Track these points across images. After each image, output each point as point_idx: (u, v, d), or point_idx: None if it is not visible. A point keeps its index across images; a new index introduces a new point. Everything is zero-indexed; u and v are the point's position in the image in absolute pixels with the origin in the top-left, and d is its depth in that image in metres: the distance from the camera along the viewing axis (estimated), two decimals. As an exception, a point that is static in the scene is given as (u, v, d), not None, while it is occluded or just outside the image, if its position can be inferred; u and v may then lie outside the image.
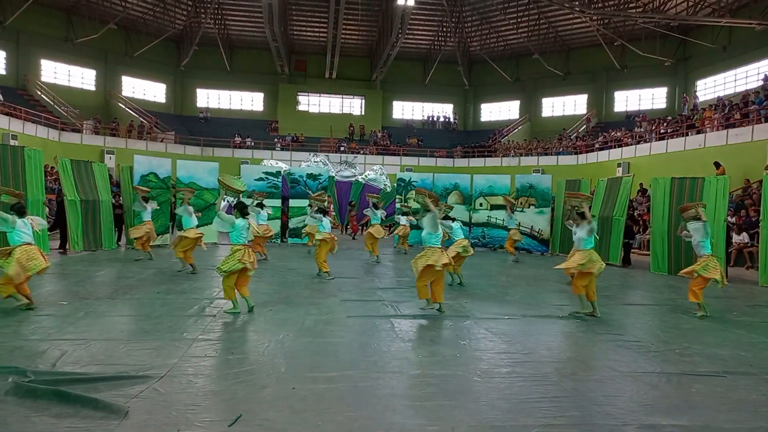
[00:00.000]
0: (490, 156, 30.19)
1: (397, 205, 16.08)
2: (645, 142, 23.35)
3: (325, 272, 9.03)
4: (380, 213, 13.01)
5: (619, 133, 25.92)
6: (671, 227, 11.01)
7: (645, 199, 18.37)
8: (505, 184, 15.69)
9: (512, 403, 3.68)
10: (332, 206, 17.42)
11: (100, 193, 12.55)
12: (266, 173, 15.75)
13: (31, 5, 24.66)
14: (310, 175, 15.93)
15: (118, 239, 13.54)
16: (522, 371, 4.38)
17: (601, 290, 8.72)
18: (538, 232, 14.90)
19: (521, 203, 15.09)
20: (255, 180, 15.41)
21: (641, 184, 19.57)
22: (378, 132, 33.69)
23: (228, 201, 11.03)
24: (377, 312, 6.52)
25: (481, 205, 15.64)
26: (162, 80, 32.94)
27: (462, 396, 3.80)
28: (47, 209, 11.30)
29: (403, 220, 14.24)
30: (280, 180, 15.66)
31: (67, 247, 11.48)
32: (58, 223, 11.96)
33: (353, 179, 20.39)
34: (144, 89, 32.20)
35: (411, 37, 32.26)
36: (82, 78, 29.51)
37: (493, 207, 15.46)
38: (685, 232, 7.13)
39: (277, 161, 24.14)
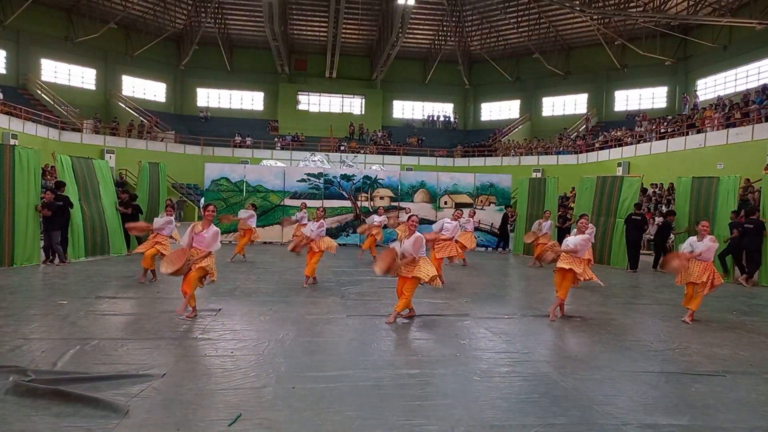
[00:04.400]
0: (491, 155, 30.21)
1: (365, 204, 15.96)
2: (645, 141, 23.36)
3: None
4: (381, 218, 12.93)
5: (619, 133, 25.92)
6: (691, 226, 11.00)
7: (645, 198, 18.37)
8: (468, 182, 16.23)
9: (512, 403, 3.69)
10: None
11: (102, 193, 11.33)
12: (308, 175, 15.98)
13: (32, 4, 24.68)
14: (344, 176, 16.06)
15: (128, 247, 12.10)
16: (522, 371, 4.38)
17: (600, 290, 8.75)
18: (498, 230, 15.75)
19: (482, 201, 15.97)
20: (297, 181, 15.74)
21: (641, 184, 19.61)
22: (378, 131, 33.70)
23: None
24: (377, 311, 6.52)
25: (446, 203, 15.94)
26: (162, 79, 32.94)
27: (461, 395, 3.80)
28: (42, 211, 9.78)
29: (377, 219, 12.90)
30: (322, 182, 15.81)
31: (65, 257, 9.96)
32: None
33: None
34: (144, 88, 32.21)
35: (411, 36, 32.26)
36: (83, 77, 29.52)
37: (458, 205, 15.94)
38: None
39: (277, 161, 24.17)
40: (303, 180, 15.80)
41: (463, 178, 16.57)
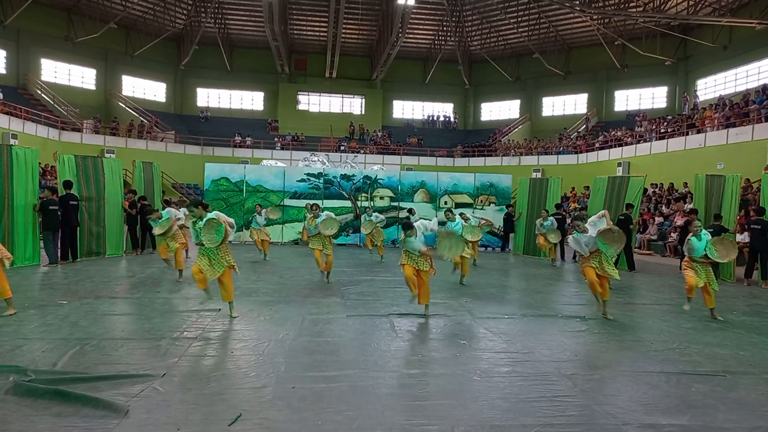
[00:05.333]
0: (491, 155, 30.20)
1: (365, 203, 15.89)
2: (645, 141, 23.36)
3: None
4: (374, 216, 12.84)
5: (619, 133, 25.92)
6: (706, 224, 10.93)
7: (645, 198, 18.35)
8: (468, 182, 16.16)
9: (512, 403, 3.69)
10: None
11: (107, 193, 11.19)
12: (308, 174, 15.99)
13: (32, 4, 24.69)
14: (344, 176, 16.05)
15: (153, 246, 11.98)
16: (522, 371, 4.38)
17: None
18: (498, 229, 15.63)
19: (482, 201, 15.94)
20: (297, 181, 15.76)
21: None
22: (378, 131, 33.69)
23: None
24: (377, 311, 6.52)
25: (446, 203, 15.91)
26: (162, 79, 32.95)
27: (462, 395, 3.80)
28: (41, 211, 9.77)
29: (374, 217, 12.50)
30: (321, 181, 15.82)
31: (56, 259, 9.81)
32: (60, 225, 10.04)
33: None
34: (144, 88, 32.21)
35: (411, 36, 32.26)
36: (83, 77, 29.53)
37: (458, 205, 15.93)
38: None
39: (277, 161, 24.17)
40: (303, 180, 15.80)
41: (463, 178, 16.52)
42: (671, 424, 3.40)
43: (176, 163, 27.61)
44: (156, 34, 30.32)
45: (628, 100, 30.81)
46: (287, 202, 15.50)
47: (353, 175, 16.19)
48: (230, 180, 15.52)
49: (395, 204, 15.88)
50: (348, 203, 15.83)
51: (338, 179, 15.94)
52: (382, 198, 16.00)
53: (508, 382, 4.11)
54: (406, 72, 35.15)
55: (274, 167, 17.76)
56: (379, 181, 16.11)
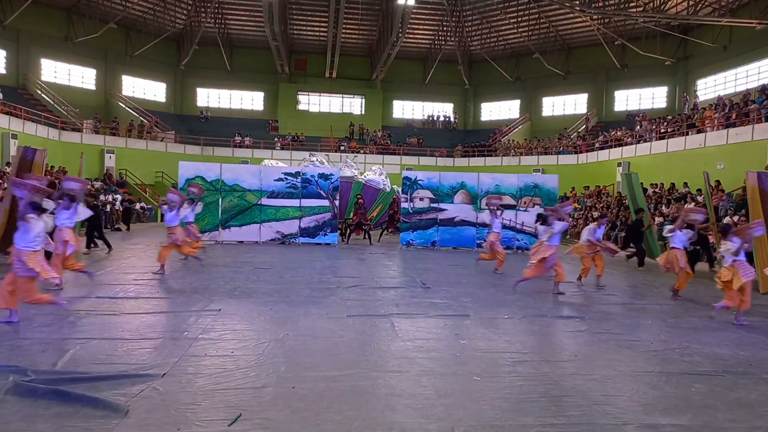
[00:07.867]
0: (491, 155, 30.20)
1: (405, 205, 15.69)
2: (645, 141, 23.35)
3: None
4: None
5: (619, 133, 25.91)
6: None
7: (645, 198, 18.33)
8: (511, 183, 15.58)
9: (512, 403, 3.69)
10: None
11: None
12: (286, 174, 15.70)
13: (32, 4, 24.65)
14: (321, 175, 15.83)
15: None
16: (522, 371, 4.38)
17: (601, 290, 8.76)
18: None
19: (525, 202, 15.34)
20: (274, 180, 15.42)
21: (641, 183, 19.56)
22: (378, 131, 33.70)
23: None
24: (377, 311, 6.52)
25: (486, 204, 15.54)
26: (162, 79, 32.93)
27: (462, 395, 3.80)
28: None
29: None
30: (299, 180, 15.57)
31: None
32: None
33: (353, 179, 20.24)
34: (144, 88, 32.19)
35: (411, 36, 32.26)
36: (83, 77, 29.50)
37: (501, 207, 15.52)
38: None
39: (277, 161, 24.14)
40: (280, 179, 15.43)
41: (506, 179, 15.84)
42: (671, 424, 3.40)
43: (176, 163, 27.53)
44: (156, 34, 30.30)
45: (628, 100, 30.79)
46: (264, 201, 15.13)
47: (331, 174, 15.95)
48: (206, 179, 14.87)
49: (435, 205, 15.54)
50: (326, 202, 15.56)
51: (316, 178, 15.68)
52: (422, 199, 15.50)
53: (508, 382, 4.11)
54: (406, 72, 35.12)
55: (251, 166, 17.38)
56: (419, 182, 15.68)
